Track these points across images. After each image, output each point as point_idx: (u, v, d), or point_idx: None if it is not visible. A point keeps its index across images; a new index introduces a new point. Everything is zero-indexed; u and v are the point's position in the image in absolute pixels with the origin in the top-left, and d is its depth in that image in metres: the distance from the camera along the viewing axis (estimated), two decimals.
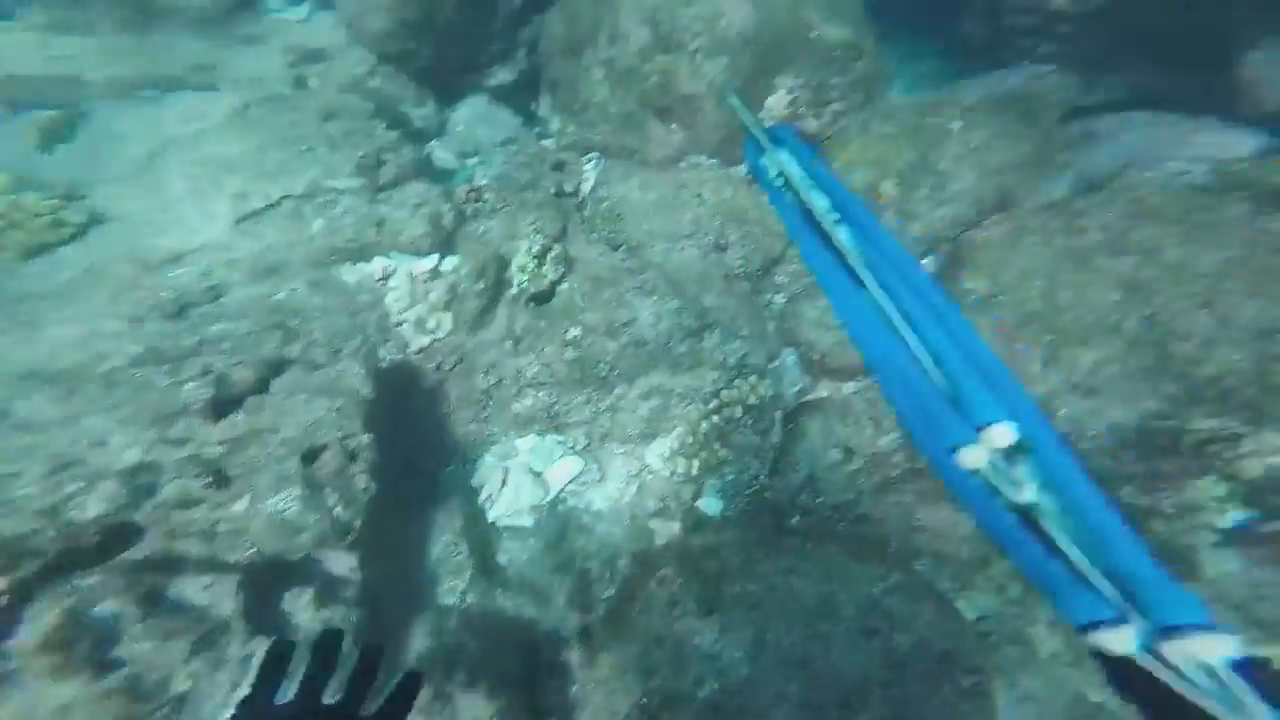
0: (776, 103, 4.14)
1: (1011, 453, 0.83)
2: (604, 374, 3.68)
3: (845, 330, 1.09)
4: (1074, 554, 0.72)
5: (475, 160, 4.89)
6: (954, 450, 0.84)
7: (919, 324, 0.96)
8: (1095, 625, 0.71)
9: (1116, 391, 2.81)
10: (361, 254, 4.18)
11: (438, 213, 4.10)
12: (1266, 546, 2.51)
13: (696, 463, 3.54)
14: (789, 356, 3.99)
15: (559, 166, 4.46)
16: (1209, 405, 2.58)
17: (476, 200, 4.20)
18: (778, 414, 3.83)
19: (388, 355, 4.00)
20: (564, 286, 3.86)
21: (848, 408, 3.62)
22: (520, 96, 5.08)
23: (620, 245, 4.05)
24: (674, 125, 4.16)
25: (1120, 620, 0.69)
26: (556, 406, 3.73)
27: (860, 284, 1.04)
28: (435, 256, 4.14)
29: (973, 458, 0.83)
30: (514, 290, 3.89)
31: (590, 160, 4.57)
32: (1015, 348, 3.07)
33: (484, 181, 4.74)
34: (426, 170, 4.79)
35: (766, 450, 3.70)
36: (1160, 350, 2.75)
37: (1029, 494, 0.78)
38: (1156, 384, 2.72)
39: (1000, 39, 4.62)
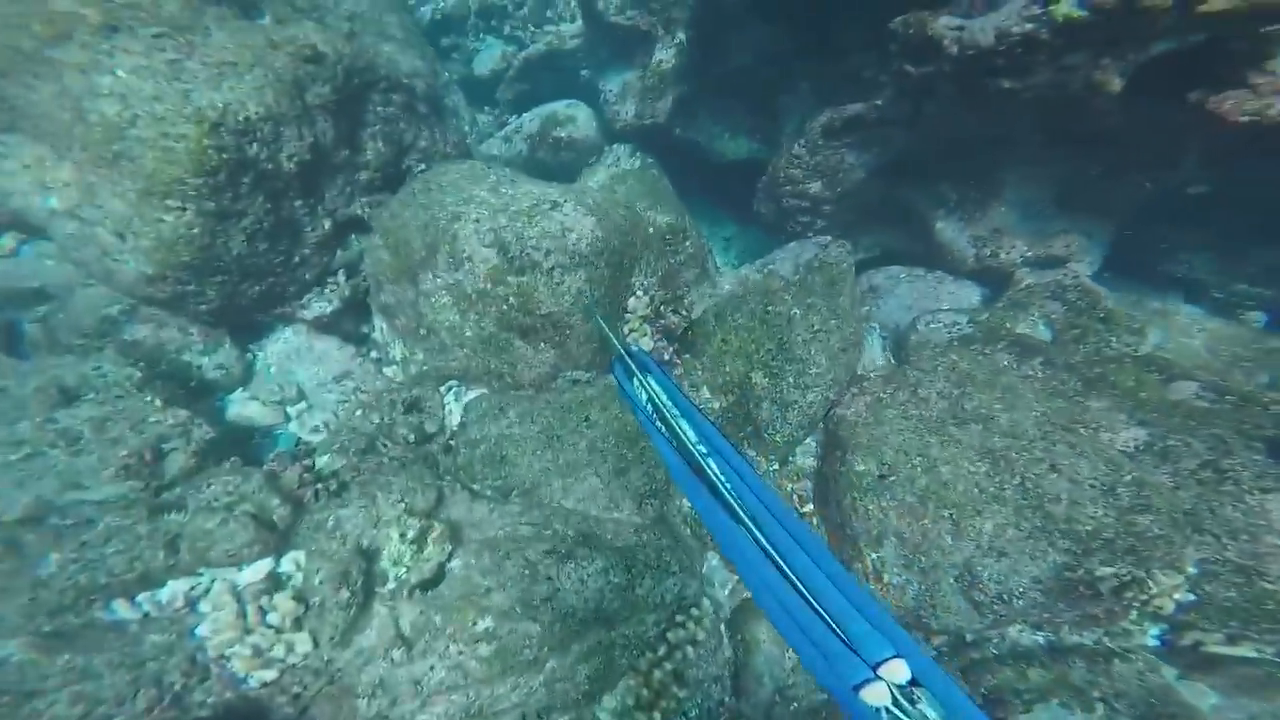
0: (637, 305, 4.12)
1: (907, 686, 0.89)
2: (532, 657, 3.06)
3: (736, 569, 1.27)
4: None
5: (301, 408, 4.03)
6: (858, 689, 0.89)
7: (793, 561, 1.01)
8: None
9: (1023, 551, 3.09)
10: (146, 581, 3.07)
11: (265, 507, 3.19)
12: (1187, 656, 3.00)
13: (658, 714, 3.07)
14: (711, 559, 3.79)
15: (413, 406, 3.85)
16: (1101, 554, 2.96)
17: (316, 482, 3.37)
18: (722, 628, 3.57)
19: (208, 698, 2.93)
20: (455, 565, 3.20)
21: None
22: (346, 323, 4.39)
23: (511, 491, 3.54)
24: (542, 344, 3.87)
25: None
26: (478, 703, 2.98)
27: (736, 518, 1.10)
28: (270, 560, 3.18)
29: (876, 695, 0.88)
30: (391, 584, 3.11)
31: (450, 390, 4.04)
32: (924, 523, 3.27)
33: (318, 438, 3.91)
34: (236, 440, 3.80)
35: (724, 673, 3.40)
36: (1041, 511, 3.12)
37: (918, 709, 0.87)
38: (1052, 540, 3.06)
39: (785, 216, 5.34)
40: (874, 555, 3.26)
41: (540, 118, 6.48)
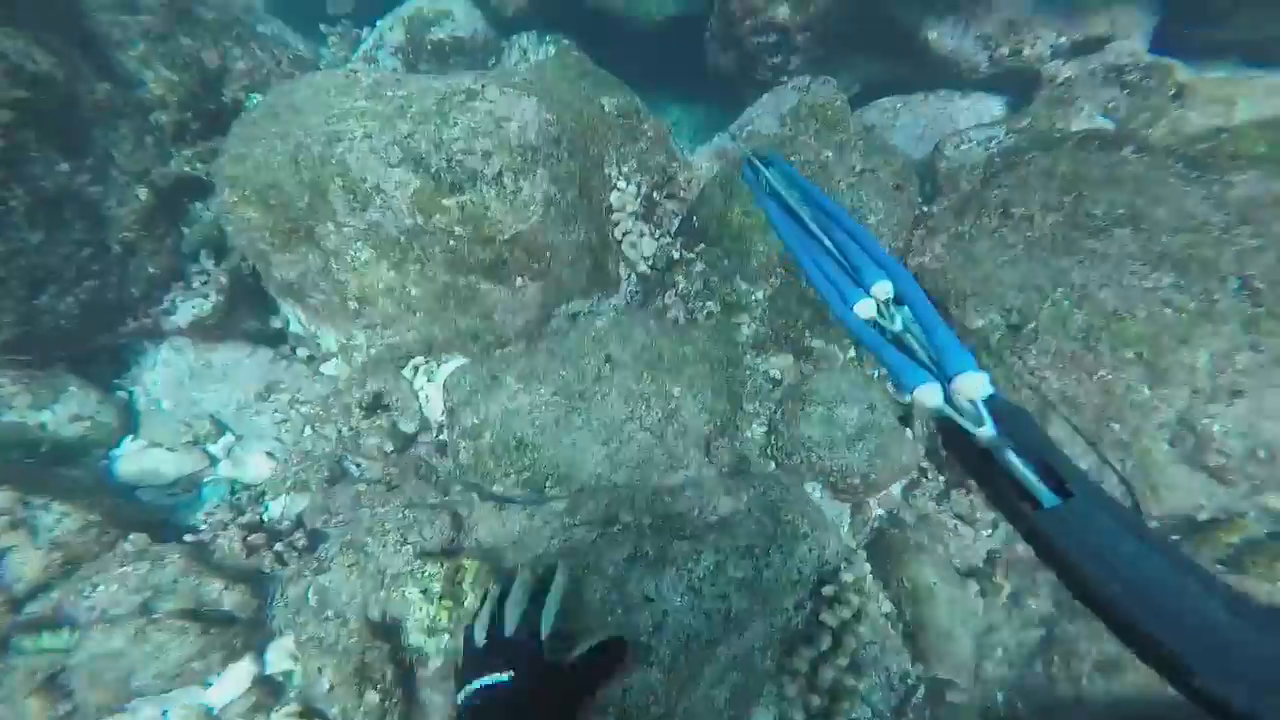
0: (623, 198, 3.09)
1: (889, 300, 1.14)
2: (661, 712, 2.22)
3: (791, 252, 1.35)
4: (916, 351, 1.06)
5: (227, 443, 2.85)
6: (853, 306, 1.16)
7: (834, 234, 1.27)
8: (915, 388, 0.98)
9: (1272, 379, 2.26)
10: None
11: (201, 596, 2.11)
12: None
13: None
14: (814, 489, 3.02)
15: (376, 404, 2.75)
16: None
17: (273, 541, 2.31)
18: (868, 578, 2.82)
19: None
20: None
21: (931, 525, 2.80)
22: (244, 319, 3.13)
23: (545, 480, 2.58)
24: (519, 279, 2.82)
25: (929, 382, 0.97)
26: None
27: (806, 230, 1.33)
28: (249, 662, 2.15)
29: (865, 309, 1.15)
30: (437, 661, 2.14)
31: (417, 371, 2.95)
32: (1102, 375, 2.46)
33: (264, 476, 2.78)
34: (144, 508, 2.61)
35: (897, 637, 2.65)
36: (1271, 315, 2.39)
37: (898, 325, 1.11)
38: None
39: (750, 61, 4.34)
40: None
41: (401, 21, 5.04)
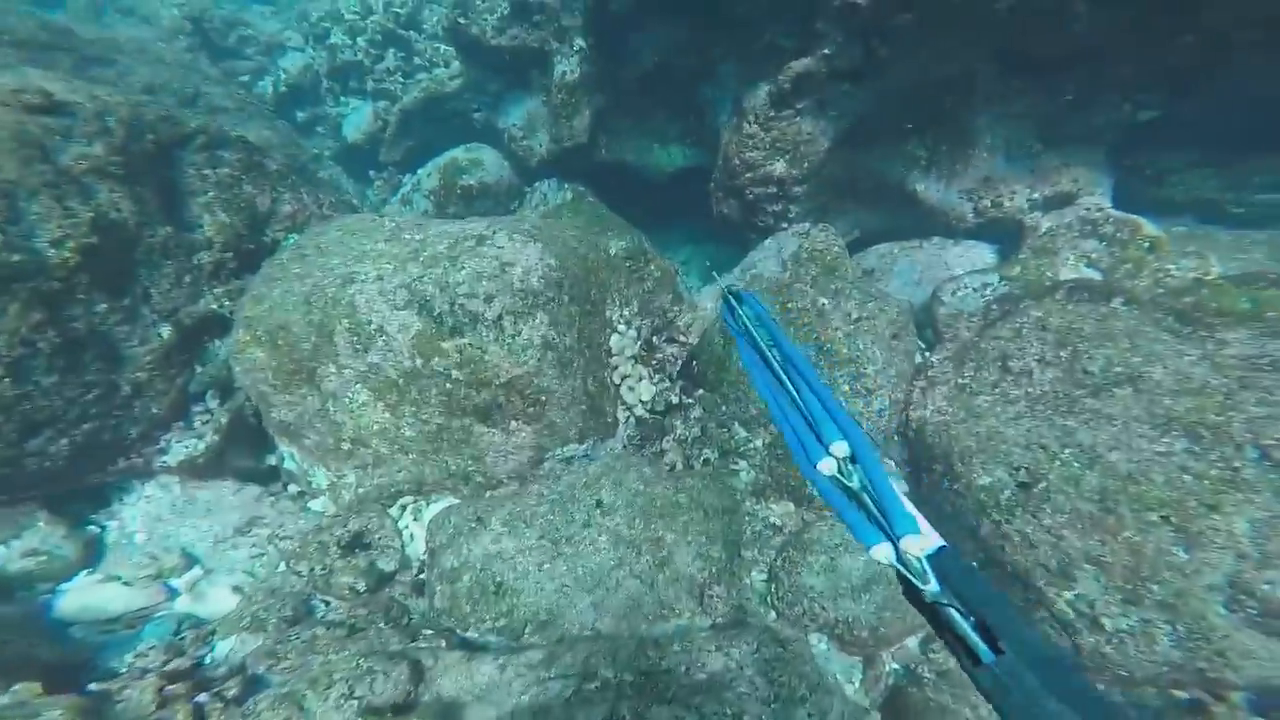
0: (623, 343, 3.15)
1: (846, 459, 1.28)
2: None
3: (765, 404, 1.51)
4: (871, 512, 1.19)
5: (193, 577, 2.72)
6: (816, 464, 1.29)
7: (801, 392, 1.44)
8: (870, 547, 1.14)
9: None
10: None
11: None
12: None
13: None
14: (819, 641, 2.74)
15: (356, 542, 2.64)
16: None
17: (198, 690, 2.11)
18: None
19: None
20: None
21: (954, 683, 2.48)
22: (238, 458, 3.12)
23: (523, 627, 2.38)
24: (513, 423, 2.81)
25: (885, 540, 1.13)
26: None
27: (776, 377, 1.51)
28: None
29: (827, 466, 1.28)
30: None
31: (405, 509, 2.87)
32: (1127, 536, 2.31)
33: (224, 610, 2.61)
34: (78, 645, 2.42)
35: None
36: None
37: (855, 483, 1.25)
38: None
39: (751, 210, 4.65)
40: (1068, 596, 2.31)
41: (438, 169, 5.55)
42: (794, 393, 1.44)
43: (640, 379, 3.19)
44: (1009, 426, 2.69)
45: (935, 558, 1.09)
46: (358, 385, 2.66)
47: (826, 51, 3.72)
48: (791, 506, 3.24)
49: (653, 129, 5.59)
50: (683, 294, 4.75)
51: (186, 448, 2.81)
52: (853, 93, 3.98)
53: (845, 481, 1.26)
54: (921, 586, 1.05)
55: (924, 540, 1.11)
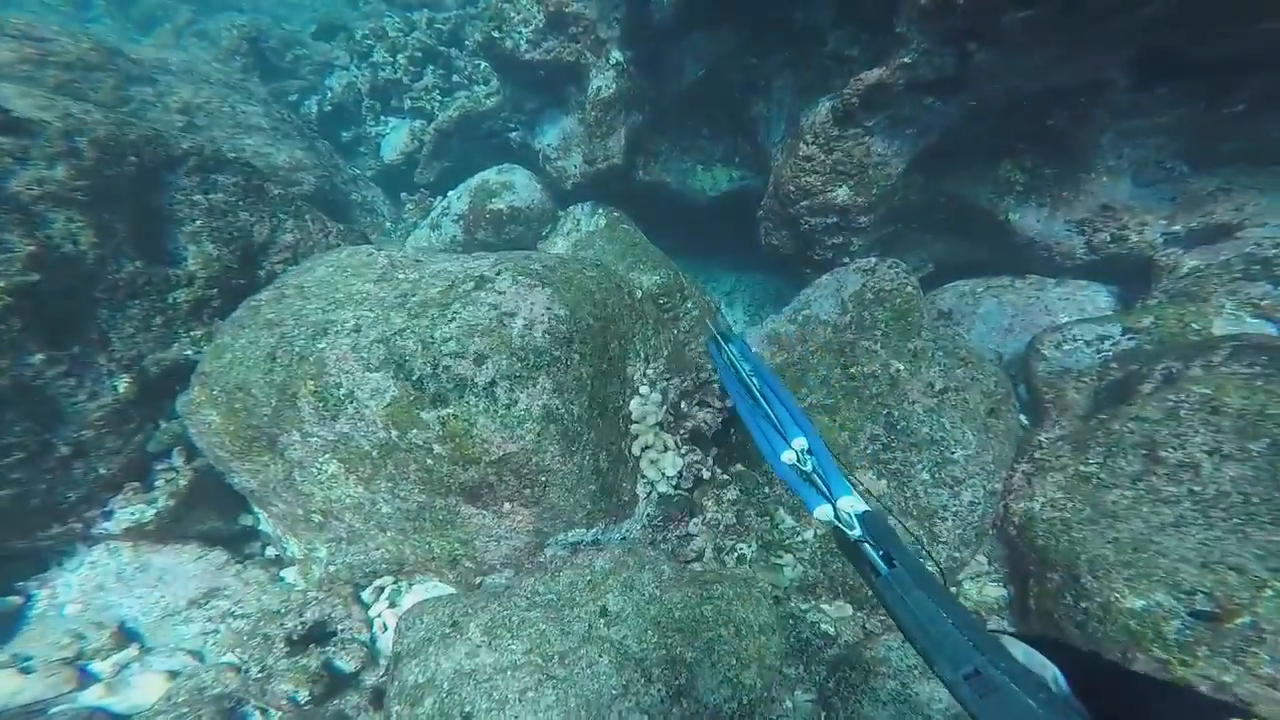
0: (644, 408, 2.63)
1: (803, 451, 1.58)
2: None
3: (742, 415, 1.82)
4: (819, 488, 1.50)
5: (124, 658, 2.36)
6: (780, 455, 1.59)
7: (772, 404, 1.72)
8: (815, 508, 1.45)
9: None
10: None
11: None
12: None
13: None
14: None
15: (315, 635, 2.22)
16: None
17: None
18: None
19: None
20: None
21: None
22: (203, 518, 2.77)
23: None
24: (507, 505, 2.33)
25: (824, 504, 1.45)
26: None
27: (750, 395, 1.80)
28: None
29: (788, 456, 1.58)
30: None
31: (381, 594, 2.44)
32: None
33: (143, 708, 2.22)
34: None
35: None
36: None
37: (809, 468, 1.55)
38: None
39: (806, 242, 4.05)
40: None
41: (469, 191, 5.24)
42: (766, 406, 1.73)
43: (665, 449, 2.65)
44: (1167, 536, 1.99)
45: (863, 517, 1.43)
46: (326, 456, 2.25)
47: (907, 60, 3.12)
48: (849, 609, 2.62)
49: (695, 149, 5.09)
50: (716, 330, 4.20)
51: (133, 514, 2.47)
52: (938, 107, 3.35)
53: (801, 467, 1.59)
54: (848, 532, 1.41)
55: (855, 502, 1.46)
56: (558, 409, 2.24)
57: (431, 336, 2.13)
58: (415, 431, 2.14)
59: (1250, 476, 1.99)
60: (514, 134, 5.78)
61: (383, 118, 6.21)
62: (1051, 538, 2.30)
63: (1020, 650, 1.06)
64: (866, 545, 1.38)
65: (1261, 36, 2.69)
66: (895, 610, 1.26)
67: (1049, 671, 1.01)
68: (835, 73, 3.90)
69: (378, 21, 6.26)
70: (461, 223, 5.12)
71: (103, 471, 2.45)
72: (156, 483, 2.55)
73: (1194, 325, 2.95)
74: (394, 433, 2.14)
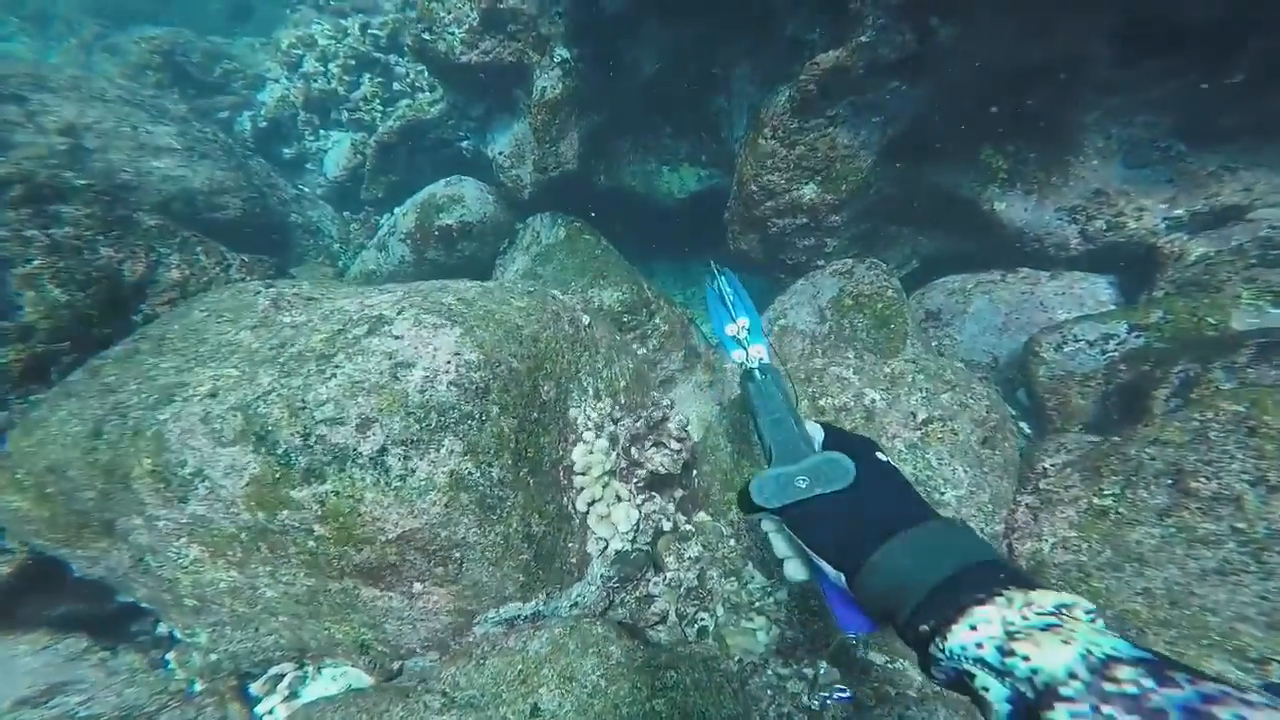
0: (589, 457, 2.24)
1: (742, 328, 1.90)
2: None
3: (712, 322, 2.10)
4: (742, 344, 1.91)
5: None
6: (724, 327, 1.96)
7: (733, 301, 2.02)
8: (730, 353, 1.91)
9: None
10: None
11: None
12: None
13: None
14: None
15: None
16: None
17: None
18: None
19: None
20: None
21: None
22: (65, 598, 2.34)
23: None
24: (415, 585, 1.94)
25: (738, 348, 1.90)
26: None
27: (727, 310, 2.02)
28: None
29: (731, 330, 1.92)
30: None
31: (276, 680, 2.03)
32: None
33: None
34: None
35: None
36: None
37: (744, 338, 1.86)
38: None
39: (777, 246, 3.69)
40: None
41: (415, 208, 4.84)
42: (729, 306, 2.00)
43: (617, 500, 2.27)
44: (1213, 586, 1.63)
45: (764, 366, 1.71)
46: (182, 540, 1.85)
47: (864, 39, 2.76)
48: (836, 674, 2.26)
49: (659, 148, 4.72)
50: (698, 348, 3.83)
51: None
52: (904, 90, 2.99)
53: (739, 339, 1.88)
54: (748, 365, 1.76)
55: (761, 348, 1.83)
56: (470, 474, 1.85)
57: (303, 400, 1.74)
58: (287, 513, 1.74)
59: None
60: (465, 143, 5.40)
61: (322, 131, 5.80)
62: (1067, 587, 1.94)
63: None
64: (753, 370, 1.67)
65: None
66: (756, 404, 1.47)
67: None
68: (794, 59, 3.55)
69: (305, 29, 5.84)
70: (409, 242, 4.72)
71: None
72: None
73: (1209, 319, 2.61)
74: (260, 515, 1.74)
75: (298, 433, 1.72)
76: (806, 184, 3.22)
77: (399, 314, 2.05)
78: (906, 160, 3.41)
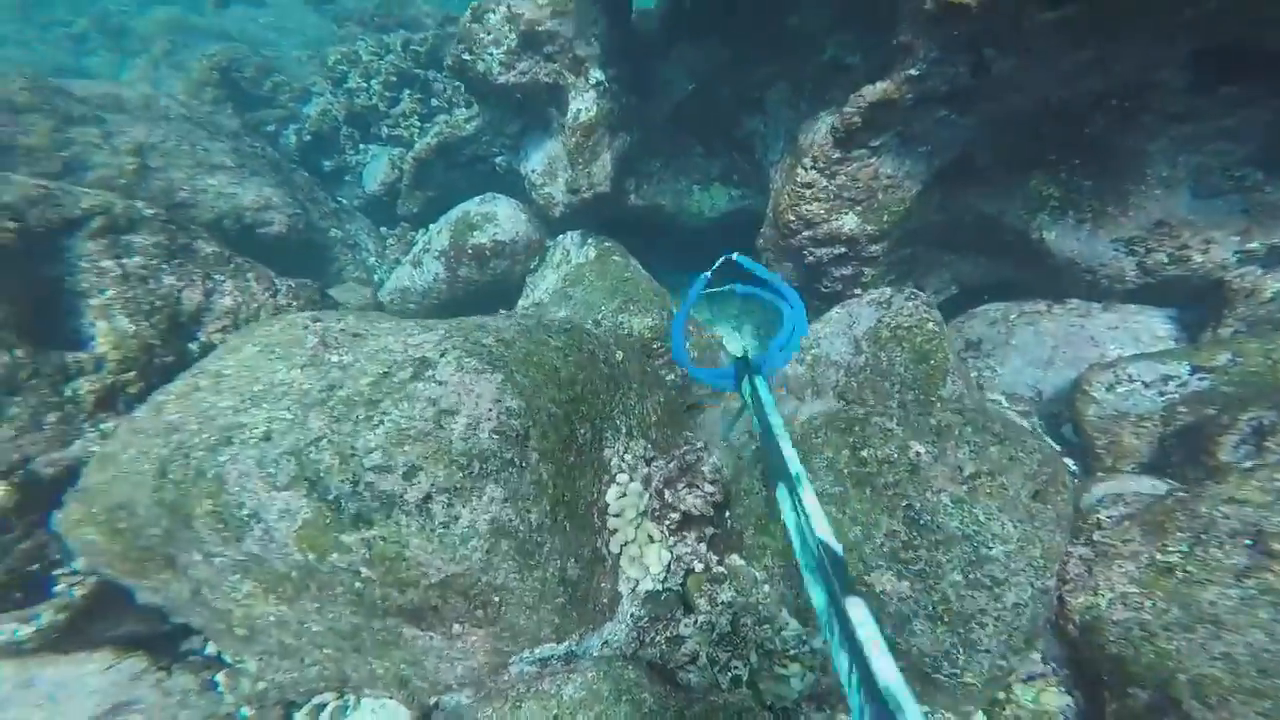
0: (624, 500, 2.25)
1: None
2: None
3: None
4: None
5: None
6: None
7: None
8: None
9: None
10: None
11: None
12: None
13: None
14: None
15: None
16: None
17: None
18: None
19: None
20: None
21: None
22: (131, 619, 2.45)
23: None
24: (455, 626, 1.97)
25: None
26: None
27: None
28: None
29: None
30: None
31: (319, 709, 2.09)
32: None
33: None
34: None
35: None
36: None
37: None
38: None
39: (812, 275, 3.64)
40: None
41: (449, 226, 4.91)
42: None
43: (650, 540, 2.27)
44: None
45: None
46: (236, 575, 1.92)
47: (914, 72, 2.69)
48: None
49: (690, 168, 4.70)
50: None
51: (3, 634, 2.14)
52: (954, 120, 2.92)
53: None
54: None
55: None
56: (510, 520, 1.87)
57: (352, 448, 1.78)
58: (336, 555, 1.79)
59: None
60: (499, 159, 5.45)
61: (362, 146, 5.94)
62: (1129, 645, 1.87)
63: None
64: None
65: None
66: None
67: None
68: (834, 83, 3.48)
69: (350, 45, 5.98)
70: (444, 259, 4.80)
71: None
72: (56, 589, 2.24)
73: None
74: (311, 556, 1.80)
75: (347, 479, 1.77)
76: (847, 214, 3.17)
77: (442, 356, 2.09)
78: (951, 187, 3.32)
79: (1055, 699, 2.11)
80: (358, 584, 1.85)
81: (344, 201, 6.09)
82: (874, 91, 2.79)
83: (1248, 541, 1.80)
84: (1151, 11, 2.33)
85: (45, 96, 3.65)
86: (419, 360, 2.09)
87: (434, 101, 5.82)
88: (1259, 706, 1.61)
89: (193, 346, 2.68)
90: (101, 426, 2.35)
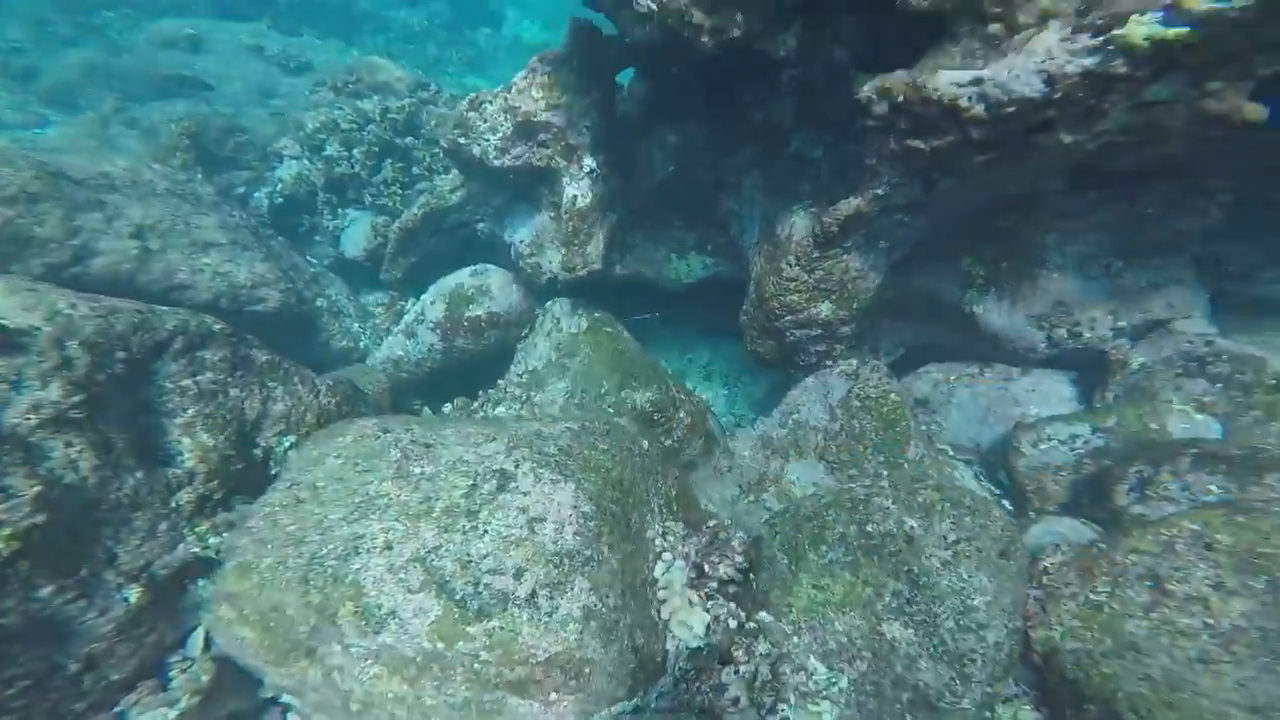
0: (671, 575, 2.66)
1: None
2: None
3: None
4: None
5: None
6: None
7: None
8: None
9: None
10: None
11: None
12: None
13: None
14: None
15: None
16: None
17: None
18: None
19: None
20: None
21: None
22: (234, 696, 2.60)
23: None
24: (553, 694, 2.31)
25: None
26: None
27: None
28: None
29: None
30: None
31: None
32: None
33: None
34: None
35: None
36: None
37: None
38: None
39: (792, 350, 4.20)
40: None
41: (444, 298, 5.15)
42: None
43: (691, 605, 2.69)
44: (1202, 674, 2.16)
45: None
46: (368, 661, 2.19)
47: (879, 191, 3.32)
48: None
49: (669, 238, 5.21)
50: (714, 433, 4.30)
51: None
52: (907, 222, 3.58)
53: None
54: None
55: None
56: (595, 605, 2.25)
57: (468, 554, 2.12)
58: (462, 644, 2.11)
59: (1260, 611, 2.20)
60: (481, 225, 5.74)
61: (340, 210, 6.05)
62: (1080, 670, 2.45)
63: None
64: None
65: (1153, 156, 3.02)
66: None
67: None
68: (803, 175, 4.11)
69: (329, 113, 6.10)
70: (439, 331, 5.03)
71: (115, 678, 2.28)
72: (170, 674, 2.38)
73: (1152, 425, 3.26)
74: (440, 644, 2.11)
75: (469, 581, 2.10)
76: (823, 302, 3.76)
77: (517, 468, 2.45)
78: (902, 271, 4.00)
79: (1028, 715, 2.67)
80: (476, 665, 2.17)
81: (313, 261, 6.15)
82: (849, 206, 3.40)
83: (1149, 583, 2.45)
84: (1044, 156, 3.06)
85: (54, 184, 3.65)
86: (498, 472, 2.43)
87: (414, 169, 6.04)
88: (1173, 717, 2.19)
89: (256, 452, 2.86)
90: (197, 530, 2.52)
